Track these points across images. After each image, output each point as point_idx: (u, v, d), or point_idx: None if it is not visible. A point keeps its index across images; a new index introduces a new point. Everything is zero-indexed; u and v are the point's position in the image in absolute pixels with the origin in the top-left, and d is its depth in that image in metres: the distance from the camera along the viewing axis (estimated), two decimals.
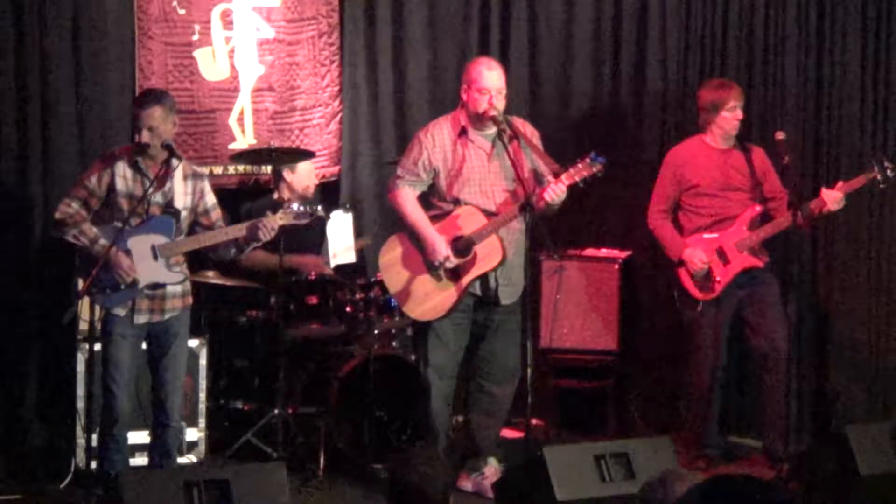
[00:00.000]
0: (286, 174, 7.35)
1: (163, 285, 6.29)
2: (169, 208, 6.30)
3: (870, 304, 7.96)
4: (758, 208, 7.19)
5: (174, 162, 6.25)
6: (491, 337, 6.72)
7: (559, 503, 5.53)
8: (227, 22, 7.62)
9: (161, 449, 6.40)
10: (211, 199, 6.45)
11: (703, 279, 7.17)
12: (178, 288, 6.36)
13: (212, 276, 7.21)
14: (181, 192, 6.33)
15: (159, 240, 6.27)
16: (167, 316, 6.34)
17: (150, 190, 6.22)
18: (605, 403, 7.95)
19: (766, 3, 8.04)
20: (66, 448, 6.80)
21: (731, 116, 7.19)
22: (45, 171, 7.18)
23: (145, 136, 6.21)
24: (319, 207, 6.66)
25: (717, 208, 7.20)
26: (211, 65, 7.59)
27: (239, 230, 6.36)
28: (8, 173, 7.17)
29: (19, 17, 7.09)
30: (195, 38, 7.52)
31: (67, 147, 7.20)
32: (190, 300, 6.45)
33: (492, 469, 6.73)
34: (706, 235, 7.20)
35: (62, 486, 6.67)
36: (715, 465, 7.16)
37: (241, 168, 7.70)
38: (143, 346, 6.39)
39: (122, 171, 6.25)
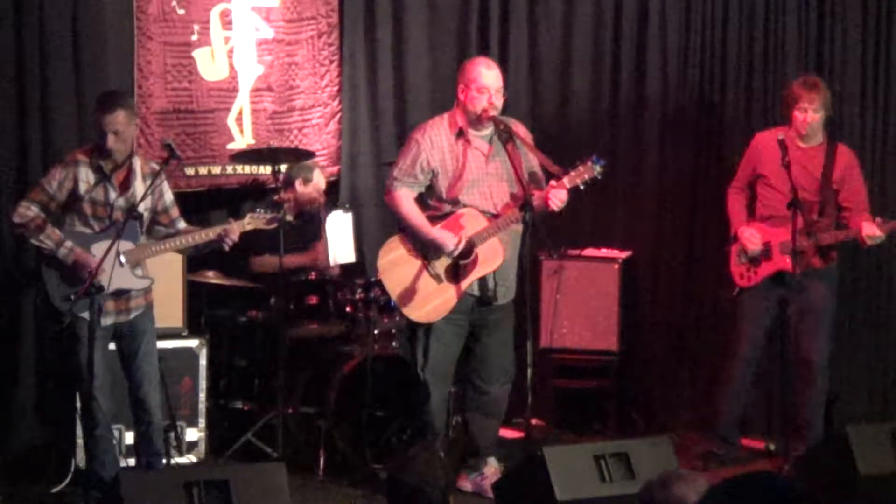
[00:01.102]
0: (298, 184, 7.36)
1: (129, 291, 6.27)
2: (132, 212, 6.20)
3: (870, 304, 7.96)
4: (814, 216, 7.03)
5: (169, 164, 6.25)
6: (486, 337, 6.72)
7: (559, 503, 5.53)
8: (227, 22, 7.61)
9: (149, 448, 6.39)
10: (169, 196, 6.41)
11: (747, 266, 7.19)
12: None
13: (212, 276, 7.21)
14: (141, 193, 6.25)
15: (125, 245, 6.18)
16: (133, 315, 6.33)
17: (115, 196, 6.19)
18: (605, 403, 7.95)
19: (766, 4, 8.04)
20: (66, 448, 6.79)
21: (800, 117, 7.06)
22: (45, 171, 7.14)
23: (111, 141, 6.14)
24: (288, 215, 6.66)
25: (778, 203, 7.09)
26: (210, 65, 7.58)
27: (206, 235, 6.34)
28: (8, 173, 7.16)
29: (19, 17, 7.09)
30: (194, 37, 7.52)
31: (67, 147, 7.15)
32: (151, 297, 6.42)
33: (491, 469, 6.73)
34: (761, 225, 7.18)
35: (62, 486, 6.67)
36: (717, 466, 7.14)
37: (239, 168, 7.70)
38: (111, 346, 6.36)
39: (85, 175, 6.20)
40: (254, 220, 6.42)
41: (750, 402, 7.53)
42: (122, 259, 6.18)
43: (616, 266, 7.90)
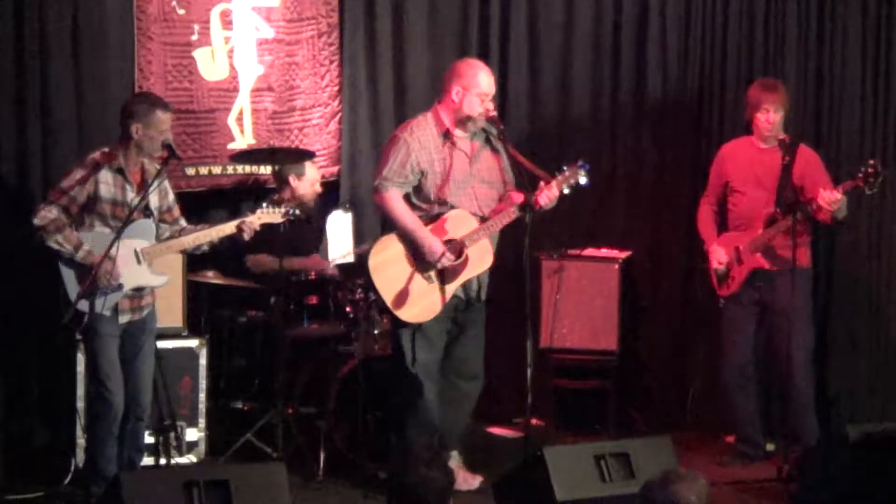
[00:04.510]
0: (292, 179, 7.37)
1: (145, 288, 6.35)
2: (147, 211, 6.34)
3: (870, 303, 7.97)
4: (772, 209, 7.09)
5: (169, 164, 6.31)
6: (464, 336, 6.76)
7: (559, 503, 5.53)
8: (227, 22, 7.61)
9: (135, 443, 6.44)
10: (171, 194, 6.53)
11: (723, 277, 7.26)
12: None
13: (212, 276, 7.22)
14: (151, 192, 6.35)
15: (141, 244, 6.30)
16: (144, 313, 6.42)
17: (133, 196, 6.25)
18: (605, 403, 7.94)
19: (766, 3, 8.05)
20: (66, 448, 6.80)
21: (762, 119, 7.15)
22: (44, 171, 7.17)
23: (165, 138, 6.28)
24: (297, 210, 6.69)
25: (745, 206, 7.19)
26: (210, 65, 7.59)
27: (222, 231, 6.41)
28: (8, 173, 7.17)
29: (19, 17, 7.09)
30: (194, 37, 7.52)
31: (67, 147, 7.19)
32: (156, 295, 6.52)
33: (455, 462, 6.70)
34: (732, 233, 7.26)
35: (62, 486, 6.67)
36: (745, 464, 7.24)
37: (239, 168, 7.70)
38: None
39: (105, 177, 6.26)
40: (266, 214, 6.47)
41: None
42: (141, 257, 6.28)
43: (616, 266, 7.89)
